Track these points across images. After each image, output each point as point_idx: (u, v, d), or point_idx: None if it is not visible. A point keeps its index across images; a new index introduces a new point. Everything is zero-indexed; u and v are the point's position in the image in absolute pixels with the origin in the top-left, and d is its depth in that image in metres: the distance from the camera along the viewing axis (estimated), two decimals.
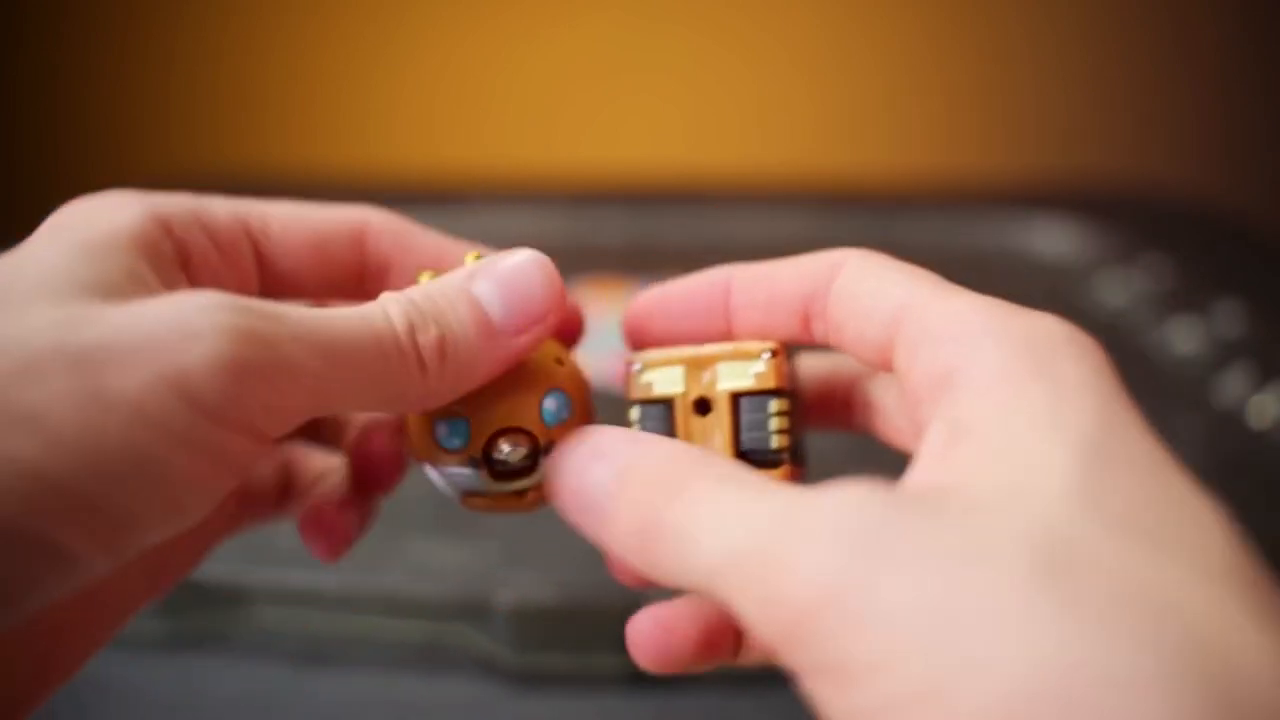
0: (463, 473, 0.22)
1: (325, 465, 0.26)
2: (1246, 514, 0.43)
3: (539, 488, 0.22)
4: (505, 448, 0.21)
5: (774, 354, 0.22)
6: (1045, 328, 0.18)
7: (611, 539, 0.19)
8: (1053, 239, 0.74)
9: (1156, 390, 0.52)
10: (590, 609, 0.34)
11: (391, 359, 0.19)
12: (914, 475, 0.17)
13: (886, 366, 0.21)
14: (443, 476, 0.22)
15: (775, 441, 0.22)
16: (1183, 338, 0.57)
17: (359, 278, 0.24)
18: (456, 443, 0.21)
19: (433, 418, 0.21)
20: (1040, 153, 1.10)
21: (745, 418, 0.22)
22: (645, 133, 1.13)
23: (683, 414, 0.22)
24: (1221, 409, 0.50)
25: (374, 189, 0.70)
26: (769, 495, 0.17)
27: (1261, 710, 0.13)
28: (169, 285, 0.20)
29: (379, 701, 0.34)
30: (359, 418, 0.26)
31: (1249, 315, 0.58)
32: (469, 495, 0.22)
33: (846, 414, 0.25)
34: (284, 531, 0.38)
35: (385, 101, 1.12)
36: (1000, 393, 0.17)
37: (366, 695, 0.34)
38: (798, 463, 0.23)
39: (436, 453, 0.22)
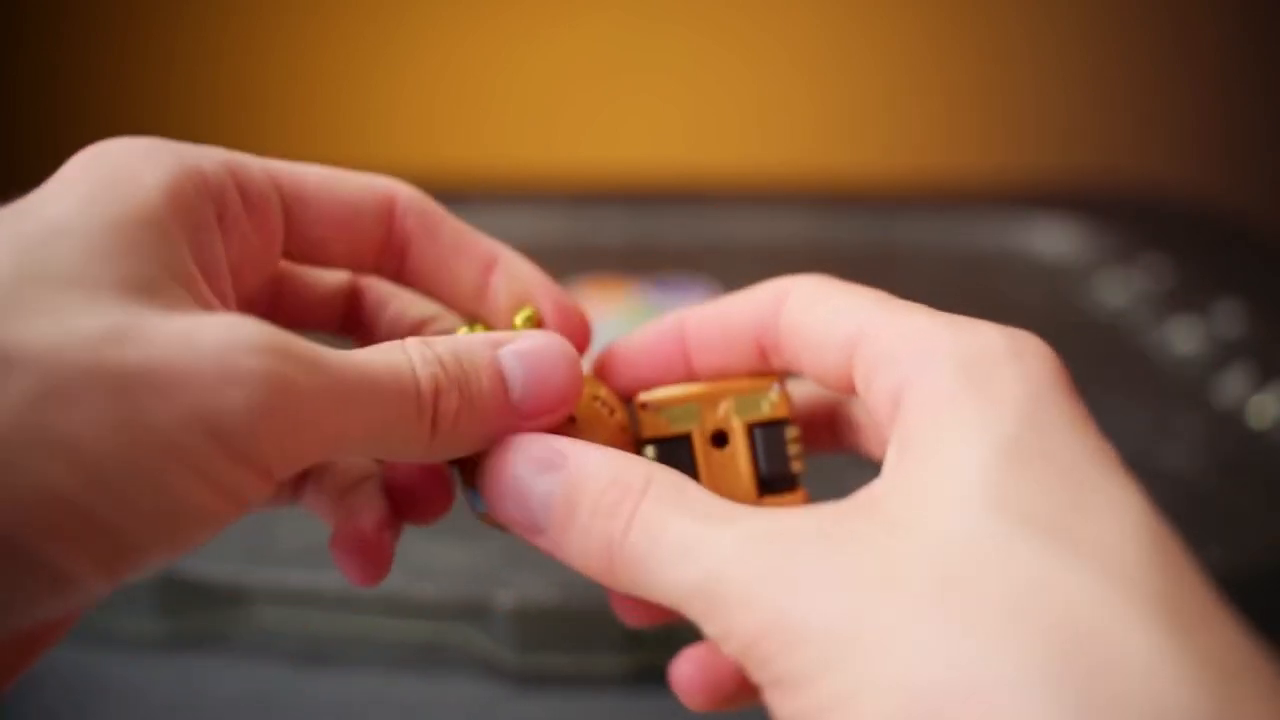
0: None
1: (361, 471, 0.25)
2: (1246, 514, 0.43)
3: None
4: None
5: (782, 384, 0.23)
6: (986, 342, 0.19)
7: (567, 558, 0.20)
8: (1053, 239, 0.74)
9: (1156, 390, 0.52)
10: (590, 609, 0.34)
11: (410, 420, 0.19)
12: (867, 490, 0.19)
13: (850, 390, 0.21)
14: (463, 492, 0.23)
15: (794, 467, 0.23)
16: (1183, 338, 0.57)
17: (381, 250, 0.24)
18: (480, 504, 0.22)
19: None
20: (1040, 153, 1.10)
21: (763, 447, 0.22)
22: (645, 133, 1.13)
23: (701, 447, 0.22)
24: (1221, 409, 0.50)
25: None
26: (714, 529, 0.18)
27: (1143, 710, 0.14)
28: (203, 255, 0.19)
29: (379, 701, 0.34)
30: None
31: (1249, 315, 0.58)
32: (487, 516, 0.22)
33: (834, 436, 0.26)
34: (284, 531, 0.38)
35: (385, 101, 1.12)
36: (935, 409, 0.18)
37: (366, 695, 0.34)
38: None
39: (458, 484, 0.23)
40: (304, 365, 0.17)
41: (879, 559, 0.16)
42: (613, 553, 0.19)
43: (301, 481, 0.24)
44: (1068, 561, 0.16)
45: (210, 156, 0.21)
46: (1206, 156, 1.09)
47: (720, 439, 0.22)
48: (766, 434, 0.22)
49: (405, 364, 0.19)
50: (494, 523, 0.23)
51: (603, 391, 0.23)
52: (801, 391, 0.26)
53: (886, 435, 0.19)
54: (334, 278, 0.26)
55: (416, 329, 0.25)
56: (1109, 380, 0.53)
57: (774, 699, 0.17)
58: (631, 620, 0.24)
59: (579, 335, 0.25)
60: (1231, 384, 0.51)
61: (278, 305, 0.25)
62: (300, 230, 0.22)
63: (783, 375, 0.23)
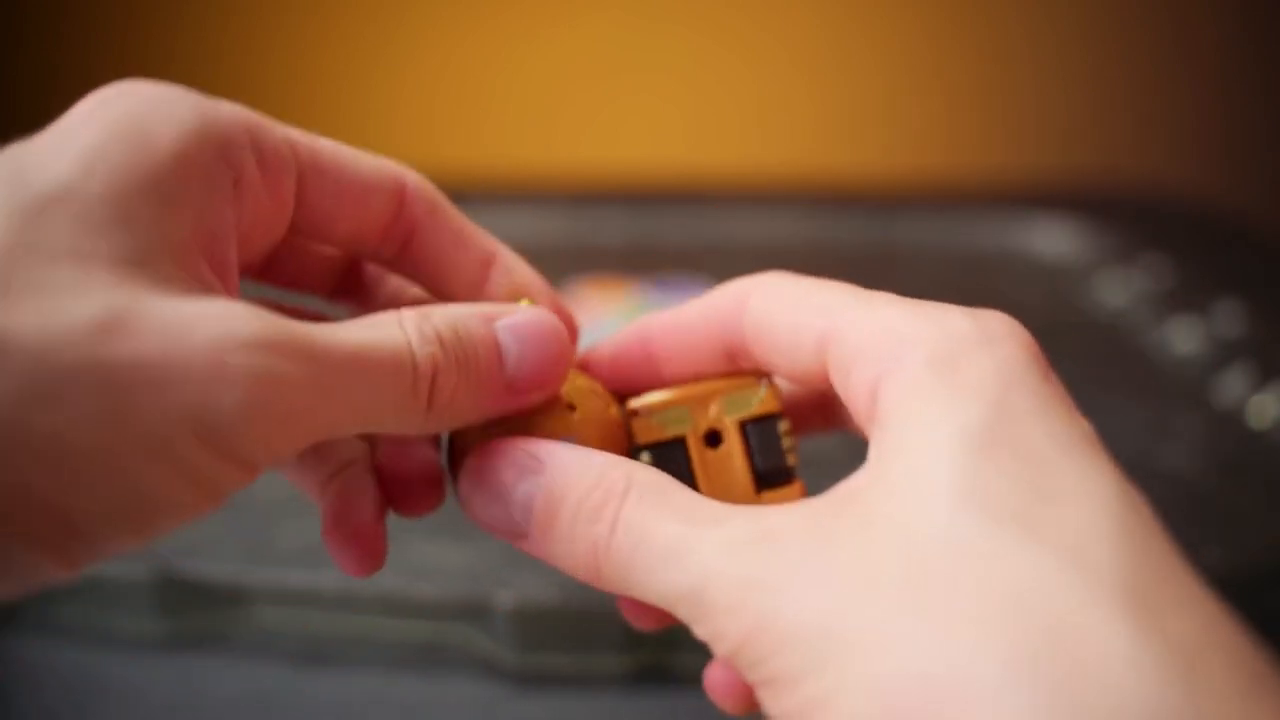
0: None
1: (351, 450, 0.24)
2: (1246, 514, 0.43)
3: None
4: None
5: (770, 379, 0.23)
6: (955, 330, 0.19)
7: (552, 561, 0.20)
8: (1053, 239, 0.74)
9: (1156, 390, 0.52)
10: (590, 609, 0.34)
11: (406, 401, 0.19)
12: (847, 484, 0.19)
13: (825, 387, 0.21)
14: (455, 491, 0.23)
15: (789, 460, 0.23)
16: (1183, 338, 0.57)
17: (385, 234, 0.23)
18: None
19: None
20: (1040, 153, 1.10)
21: (757, 442, 0.22)
22: (645, 133, 1.13)
23: (696, 448, 0.22)
24: (1221, 409, 0.50)
25: None
26: (698, 533, 0.18)
27: (1107, 705, 0.14)
28: (210, 222, 0.19)
29: (379, 701, 0.34)
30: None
31: (1249, 315, 0.58)
32: None
33: (824, 417, 0.26)
34: (284, 532, 0.38)
35: (385, 101, 1.12)
36: (908, 402, 0.18)
37: (366, 695, 0.34)
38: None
39: (450, 483, 0.22)
40: (298, 357, 0.17)
41: (857, 558, 0.17)
42: (599, 557, 0.19)
43: None
44: (1036, 554, 0.16)
45: (231, 116, 0.20)
46: (1206, 156, 1.09)
47: (714, 439, 0.23)
48: (759, 430, 0.22)
49: (403, 343, 0.19)
50: None
51: (598, 386, 0.23)
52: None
53: (867, 431, 0.19)
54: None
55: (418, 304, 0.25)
56: (1109, 380, 0.53)
57: (765, 699, 0.17)
58: (638, 624, 0.24)
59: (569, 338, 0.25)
60: (1231, 384, 0.51)
61: (274, 266, 0.24)
62: (309, 202, 0.22)
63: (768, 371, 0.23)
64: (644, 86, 1.12)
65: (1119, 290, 0.65)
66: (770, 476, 0.22)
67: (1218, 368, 0.53)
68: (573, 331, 0.25)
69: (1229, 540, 0.39)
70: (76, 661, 0.35)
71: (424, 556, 0.36)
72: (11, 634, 0.36)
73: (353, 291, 0.26)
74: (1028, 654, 0.15)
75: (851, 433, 0.25)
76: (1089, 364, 0.55)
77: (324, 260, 0.25)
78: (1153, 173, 1.04)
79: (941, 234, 0.76)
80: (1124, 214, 0.79)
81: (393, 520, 0.24)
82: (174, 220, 0.18)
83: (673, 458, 0.22)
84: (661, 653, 0.34)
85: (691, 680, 0.34)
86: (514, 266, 0.25)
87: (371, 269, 0.25)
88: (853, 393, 0.20)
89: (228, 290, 0.19)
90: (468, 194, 0.90)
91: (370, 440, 0.24)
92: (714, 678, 0.22)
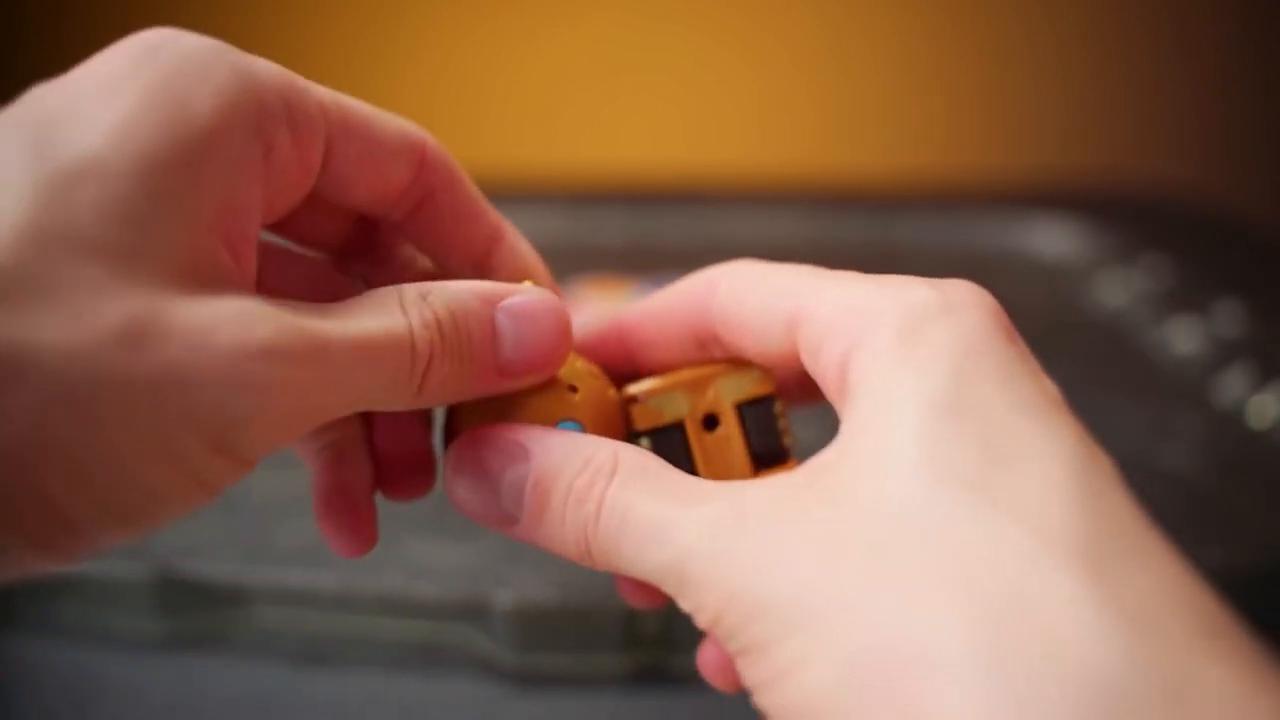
0: None
1: (344, 424, 0.24)
2: (1246, 514, 0.43)
3: None
4: None
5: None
6: (917, 301, 0.19)
7: (543, 545, 0.21)
8: (1053, 239, 0.74)
9: (1156, 390, 0.52)
10: (590, 609, 0.34)
11: (401, 385, 0.19)
12: (819, 458, 0.19)
13: (798, 368, 0.21)
14: None
15: (784, 440, 0.23)
16: (1183, 338, 0.57)
17: (401, 196, 0.23)
18: None
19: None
20: (1040, 153, 1.10)
21: (754, 424, 0.23)
22: (645, 133, 1.13)
23: (694, 432, 0.23)
24: (1221, 409, 0.50)
25: None
26: (678, 512, 0.19)
27: (1062, 668, 0.14)
28: (237, 196, 0.18)
29: (379, 701, 0.34)
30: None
31: (1249, 315, 0.58)
32: None
33: (805, 392, 0.26)
34: (284, 531, 0.38)
35: (385, 101, 1.12)
36: (872, 376, 0.18)
37: (366, 695, 0.34)
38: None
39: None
40: (309, 359, 0.17)
41: (825, 532, 0.17)
42: (588, 537, 0.20)
43: None
44: (993, 520, 0.16)
45: (268, 81, 0.19)
46: (1206, 156, 1.09)
47: (711, 422, 0.23)
48: (755, 411, 0.23)
49: (404, 329, 0.19)
50: None
51: (596, 369, 0.23)
52: None
53: (838, 406, 0.20)
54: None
55: (427, 275, 0.25)
56: (1109, 380, 0.53)
57: (742, 668, 0.18)
58: (634, 601, 0.25)
59: None
60: (1231, 384, 0.51)
61: (287, 222, 0.24)
62: (334, 166, 0.21)
63: None
64: (644, 86, 1.12)
65: (1119, 290, 0.65)
66: (767, 456, 0.23)
67: (1218, 368, 0.53)
68: None
69: (1229, 540, 0.39)
70: (76, 661, 0.35)
71: (423, 556, 0.36)
72: (11, 634, 0.36)
73: (363, 253, 0.25)
74: (984, 620, 0.15)
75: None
76: (1089, 364, 0.55)
77: (336, 218, 0.24)
78: (1153, 173, 1.04)
79: (941, 234, 0.76)
80: (1124, 214, 0.79)
81: (393, 520, 0.24)
82: (200, 200, 0.17)
83: (672, 442, 0.23)
84: (661, 653, 0.34)
85: (691, 680, 0.33)
86: (518, 246, 0.25)
87: (384, 231, 0.25)
88: (823, 370, 0.20)
89: (242, 266, 0.18)
90: None
91: (366, 420, 0.24)
92: (705, 656, 0.22)
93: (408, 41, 1.12)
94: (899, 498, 0.17)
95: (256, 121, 0.18)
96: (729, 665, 0.22)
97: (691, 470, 0.22)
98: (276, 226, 0.24)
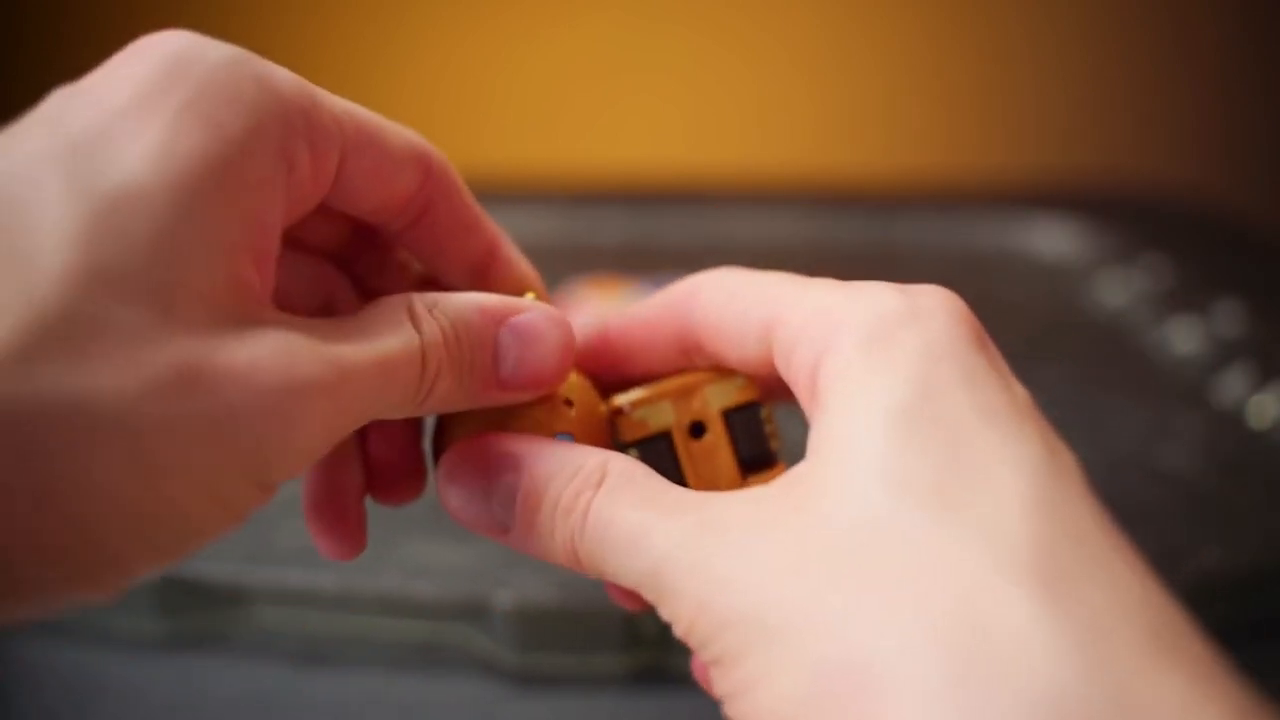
0: None
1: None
2: (1246, 514, 0.43)
3: None
4: None
5: None
6: (884, 309, 0.19)
7: (534, 553, 0.21)
8: (1053, 239, 0.74)
9: (1156, 390, 0.52)
10: (590, 609, 0.34)
11: (407, 399, 0.20)
12: (794, 470, 0.19)
13: (775, 374, 0.21)
14: None
15: (771, 444, 0.23)
16: (1183, 338, 0.57)
17: (404, 206, 0.23)
18: None
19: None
20: (1040, 153, 1.10)
21: (740, 430, 0.23)
22: (645, 133, 1.13)
23: (681, 441, 0.23)
24: (1221, 409, 0.50)
25: None
26: (657, 522, 0.19)
27: (1012, 682, 0.14)
28: (261, 216, 0.18)
29: (379, 701, 0.34)
30: None
31: (1249, 315, 0.58)
32: None
33: (791, 395, 0.26)
34: (284, 531, 0.38)
35: (385, 101, 1.12)
36: (839, 385, 0.19)
37: (366, 695, 0.34)
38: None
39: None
40: (340, 383, 0.18)
41: (791, 545, 0.17)
42: (575, 545, 0.20)
43: None
44: (951, 531, 0.16)
45: (290, 96, 0.19)
46: (1206, 156, 1.09)
47: (698, 429, 0.23)
48: (742, 417, 0.23)
49: (417, 345, 0.19)
50: None
51: (587, 381, 0.23)
52: None
53: (809, 414, 0.20)
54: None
55: (422, 284, 0.25)
56: (1109, 380, 0.53)
57: (714, 678, 0.18)
58: (623, 604, 0.25)
59: None
60: (1231, 384, 0.51)
61: (288, 229, 0.24)
62: (344, 178, 0.21)
63: None
64: (644, 86, 1.12)
65: (1119, 290, 0.65)
66: (755, 462, 0.23)
67: (1218, 368, 0.53)
68: None
69: (1229, 540, 0.39)
70: (76, 661, 0.35)
71: (423, 556, 0.36)
72: (11, 634, 0.36)
73: (358, 257, 0.25)
74: (940, 636, 0.15)
75: None
76: (1089, 364, 0.55)
77: (337, 224, 0.24)
78: (1153, 173, 1.04)
79: (941, 234, 0.76)
80: (1124, 214, 0.79)
81: (394, 520, 0.24)
82: (234, 224, 0.18)
83: (659, 452, 0.23)
84: (660, 653, 0.34)
85: (691, 680, 0.33)
86: (514, 257, 0.25)
87: (381, 235, 0.25)
88: (795, 377, 0.20)
89: (264, 281, 0.19)
90: None
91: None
92: (697, 661, 0.23)
93: (408, 41, 1.12)
94: (863, 510, 0.17)
95: (281, 139, 0.19)
96: None
97: (680, 479, 0.22)
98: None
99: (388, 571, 0.36)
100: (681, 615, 0.18)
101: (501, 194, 0.84)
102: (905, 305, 0.19)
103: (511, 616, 0.34)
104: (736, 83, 1.12)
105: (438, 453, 0.23)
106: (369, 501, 0.24)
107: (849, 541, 0.17)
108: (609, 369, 0.24)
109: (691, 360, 0.23)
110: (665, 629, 0.34)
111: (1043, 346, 0.58)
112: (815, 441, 0.19)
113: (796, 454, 0.24)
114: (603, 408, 0.23)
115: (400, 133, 0.22)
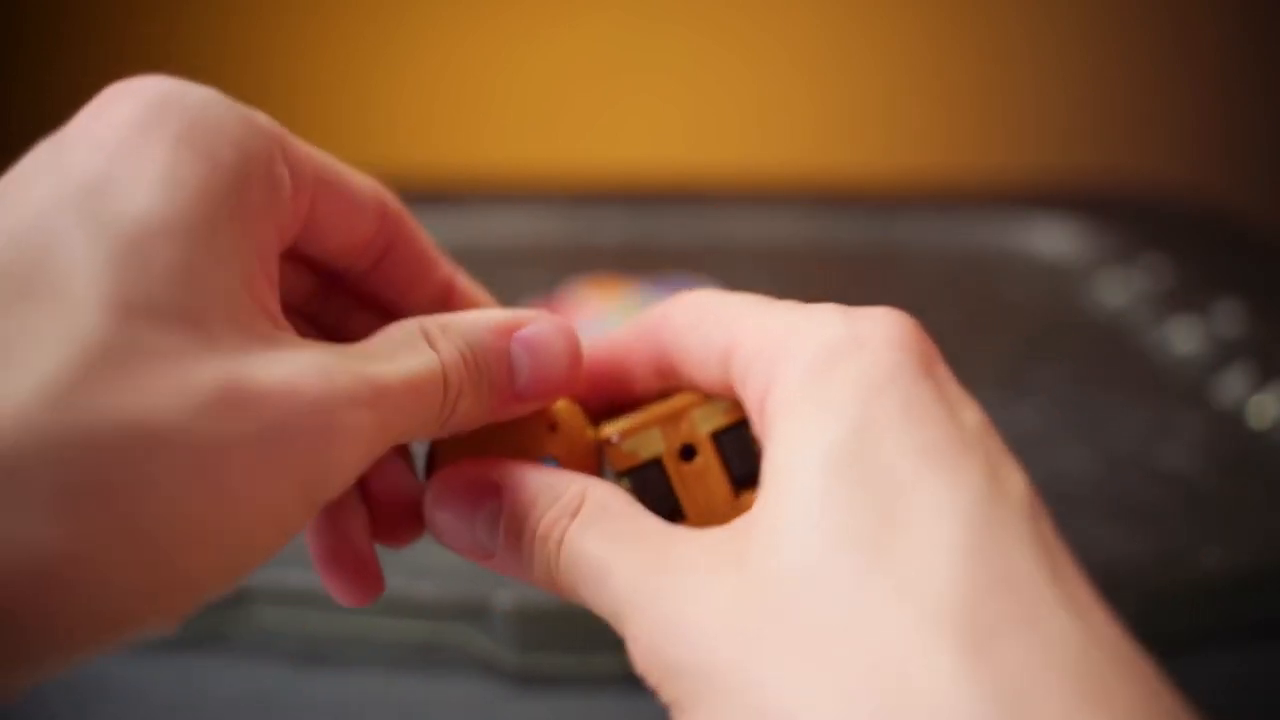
0: None
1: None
2: (1246, 514, 0.43)
3: None
4: None
5: None
6: (828, 337, 0.19)
7: (516, 576, 0.21)
8: (1053, 239, 0.74)
9: (1156, 390, 0.52)
10: (590, 609, 0.34)
11: (432, 419, 0.20)
12: (750, 510, 0.19)
13: (736, 398, 0.21)
14: None
15: (762, 460, 0.23)
16: (1183, 338, 0.57)
17: (366, 247, 0.23)
18: None
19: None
20: (1040, 153, 1.10)
21: (731, 450, 0.23)
22: (645, 133, 1.13)
23: (672, 466, 0.23)
24: (1221, 409, 0.50)
25: None
26: (620, 557, 0.19)
27: None
28: (261, 247, 0.18)
29: (379, 701, 0.34)
30: None
31: (1249, 315, 0.58)
32: None
33: None
34: None
35: (385, 101, 1.12)
36: (781, 422, 0.19)
37: (366, 695, 0.34)
38: None
39: None
40: (377, 399, 0.18)
41: (731, 593, 0.17)
42: (551, 572, 0.20)
43: None
44: (875, 587, 0.16)
45: (268, 129, 0.19)
46: (1206, 156, 1.10)
47: (688, 452, 0.23)
48: (730, 438, 0.23)
49: (438, 365, 0.20)
50: None
51: (575, 406, 0.24)
52: None
53: (763, 443, 0.20)
54: None
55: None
56: (1109, 380, 0.53)
57: (673, 715, 0.18)
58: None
59: None
60: (1231, 384, 0.51)
61: None
62: (313, 217, 0.21)
63: None
64: (644, 86, 1.12)
65: (1119, 290, 0.65)
66: (748, 479, 0.23)
67: (1218, 368, 0.53)
68: None
69: (1229, 540, 0.39)
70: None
71: (423, 556, 0.36)
72: None
73: (324, 311, 0.25)
74: (860, 693, 0.15)
75: None
76: (1089, 364, 0.55)
77: (303, 276, 0.24)
78: (1153, 173, 1.04)
79: (941, 234, 0.76)
80: (1124, 214, 0.79)
81: None
82: (247, 249, 0.18)
83: (652, 479, 0.23)
84: None
85: None
86: (472, 288, 0.25)
87: (346, 287, 0.25)
88: (749, 404, 0.20)
89: (275, 306, 0.19)
90: (468, 194, 0.90)
91: None
92: None
93: (408, 41, 1.12)
94: (798, 558, 0.17)
95: (266, 166, 0.19)
96: None
97: (675, 503, 0.23)
98: None
99: (388, 571, 0.35)
100: (637, 655, 0.19)
101: (501, 194, 0.84)
102: (847, 334, 0.19)
103: (511, 616, 0.34)
104: (736, 83, 1.12)
105: (428, 478, 0.23)
106: None
107: (783, 596, 0.17)
108: (591, 394, 0.24)
109: (671, 384, 0.23)
110: None
111: (1043, 346, 0.58)
112: (765, 475, 0.19)
113: None
114: (590, 432, 0.23)
115: (356, 173, 0.22)
